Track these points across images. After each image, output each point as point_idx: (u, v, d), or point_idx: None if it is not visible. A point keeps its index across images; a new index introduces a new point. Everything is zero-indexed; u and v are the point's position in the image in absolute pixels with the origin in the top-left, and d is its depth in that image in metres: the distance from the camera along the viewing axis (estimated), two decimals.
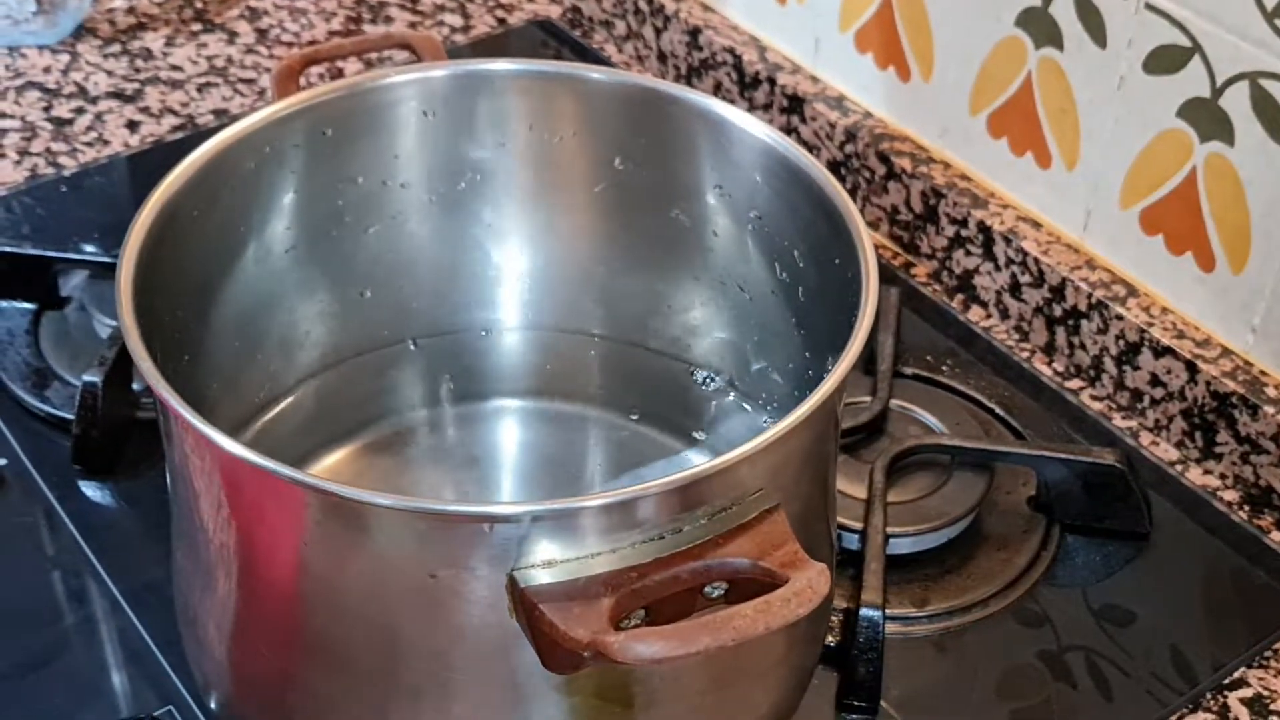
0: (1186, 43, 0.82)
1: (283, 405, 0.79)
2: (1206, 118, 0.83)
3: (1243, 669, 0.77)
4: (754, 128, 0.72)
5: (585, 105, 0.76)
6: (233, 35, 1.15)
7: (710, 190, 0.76)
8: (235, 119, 1.05)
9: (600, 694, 0.61)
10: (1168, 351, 0.87)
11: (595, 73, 0.76)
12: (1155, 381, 0.89)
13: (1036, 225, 0.94)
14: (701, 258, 0.78)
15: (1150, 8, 0.83)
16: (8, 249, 0.91)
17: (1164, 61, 0.84)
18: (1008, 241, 0.94)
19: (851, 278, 0.65)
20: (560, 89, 0.76)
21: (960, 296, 0.98)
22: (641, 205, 0.78)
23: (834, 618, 0.76)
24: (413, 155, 0.77)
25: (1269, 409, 0.83)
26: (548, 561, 0.56)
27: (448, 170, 0.78)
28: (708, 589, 0.57)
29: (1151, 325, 0.88)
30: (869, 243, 0.65)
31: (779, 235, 0.74)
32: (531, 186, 0.79)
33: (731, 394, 0.81)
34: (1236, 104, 0.82)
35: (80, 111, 1.08)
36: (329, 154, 0.74)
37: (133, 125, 1.06)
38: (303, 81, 0.79)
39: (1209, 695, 0.76)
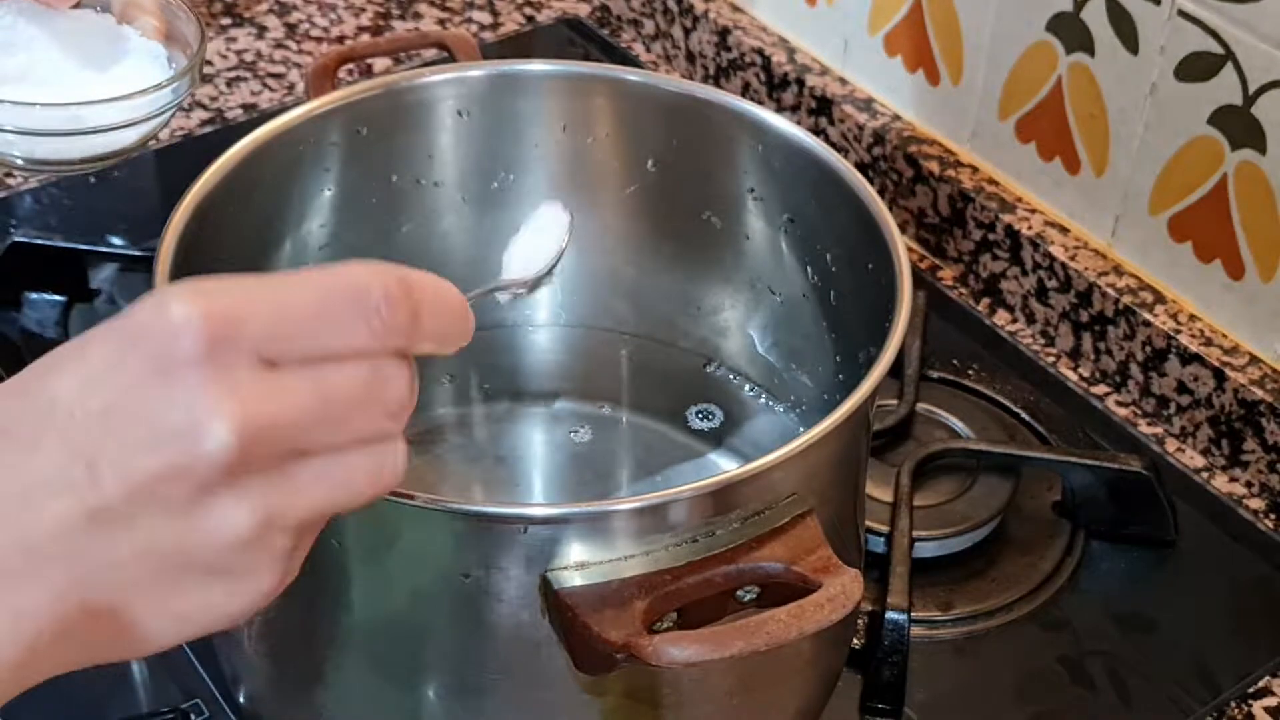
0: (1219, 50, 0.82)
1: None
2: (1238, 126, 0.83)
3: (1267, 678, 0.77)
4: (789, 131, 0.72)
5: (620, 107, 0.76)
6: (262, 30, 1.16)
7: (743, 193, 0.76)
8: (265, 114, 1.06)
9: (629, 694, 0.62)
10: (1195, 359, 0.87)
11: (630, 74, 0.77)
12: (1182, 388, 0.89)
13: (1064, 230, 0.94)
14: (733, 260, 0.78)
15: (1183, 14, 0.83)
16: (38, 241, 0.91)
17: (1196, 68, 0.84)
18: (1035, 246, 0.94)
19: (885, 283, 0.65)
20: (595, 90, 0.76)
21: (987, 300, 0.98)
22: (674, 207, 0.78)
23: (859, 621, 0.76)
24: (447, 154, 0.77)
25: None
26: (581, 564, 0.56)
27: (481, 169, 0.78)
28: (740, 593, 0.57)
29: (1179, 332, 0.88)
30: (903, 248, 0.66)
31: (811, 239, 0.74)
32: (564, 187, 0.79)
33: (761, 396, 0.81)
34: (1269, 112, 0.81)
35: None
36: (364, 152, 0.75)
37: None
38: (335, 79, 0.80)
39: (1233, 704, 0.76)
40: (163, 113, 0.82)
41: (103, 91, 0.80)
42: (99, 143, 0.81)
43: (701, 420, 0.80)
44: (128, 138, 0.82)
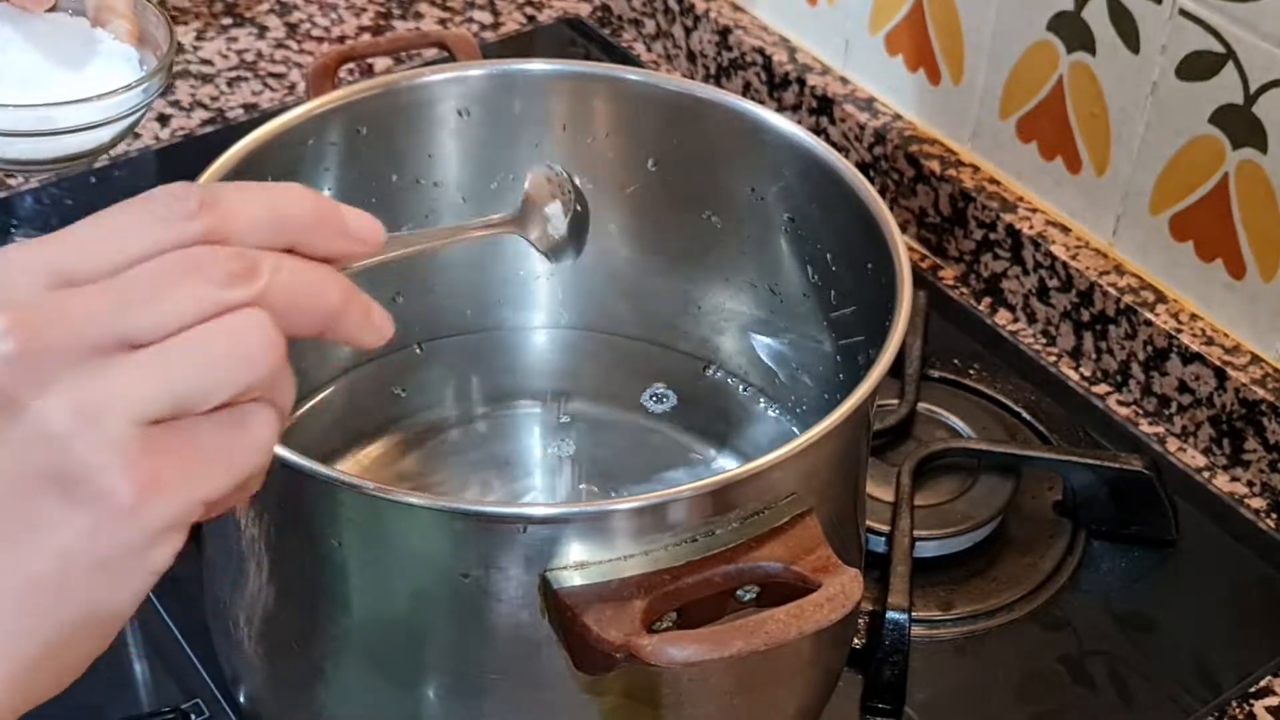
0: (1220, 49, 0.82)
1: (313, 402, 0.79)
2: (1239, 125, 0.83)
3: (1269, 677, 0.77)
4: (790, 131, 0.72)
5: (620, 106, 0.76)
6: (263, 30, 1.16)
7: (743, 193, 0.76)
8: (266, 114, 1.06)
9: (629, 694, 0.61)
10: (1196, 358, 0.87)
11: (630, 74, 0.77)
12: (1183, 388, 0.88)
13: (1065, 230, 0.94)
14: (733, 260, 0.78)
15: (1184, 13, 0.83)
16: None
17: (1197, 67, 0.84)
18: (1036, 245, 0.94)
19: (885, 282, 0.65)
20: (595, 90, 0.76)
21: (988, 300, 0.98)
22: (674, 206, 0.78)
23: (859, 620, 0.76)
24: (447, 154, 0.77)
25: None
26: (580, 563, 0.56)
27: (481, 169, 0.78)
28: (740, 592, 0.57)
29: (1180, 331, 0.88)
30: (903, 248, 0.66)
31: (812, 238, 0.74)
32: None
33: (761, 396, 0.81)
34: (1270, 111, 0.81)
35: None
36: (364, 152, 0.74)
37: (163, 119, 1.07)
38: (336, 79, 0.80)
39: (1234, 703, 0.76)
40: (133, 113, 0.83)
41: (75, 93, 0.80)
42: (71, 142, 0.82)
43: (655, 403, 0.80)
44: (99, 137, 0.83)
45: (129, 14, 0.77)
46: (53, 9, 0.81)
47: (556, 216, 0.63)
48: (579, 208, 0.63)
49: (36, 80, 0.81)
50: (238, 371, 0.41)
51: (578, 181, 0.63)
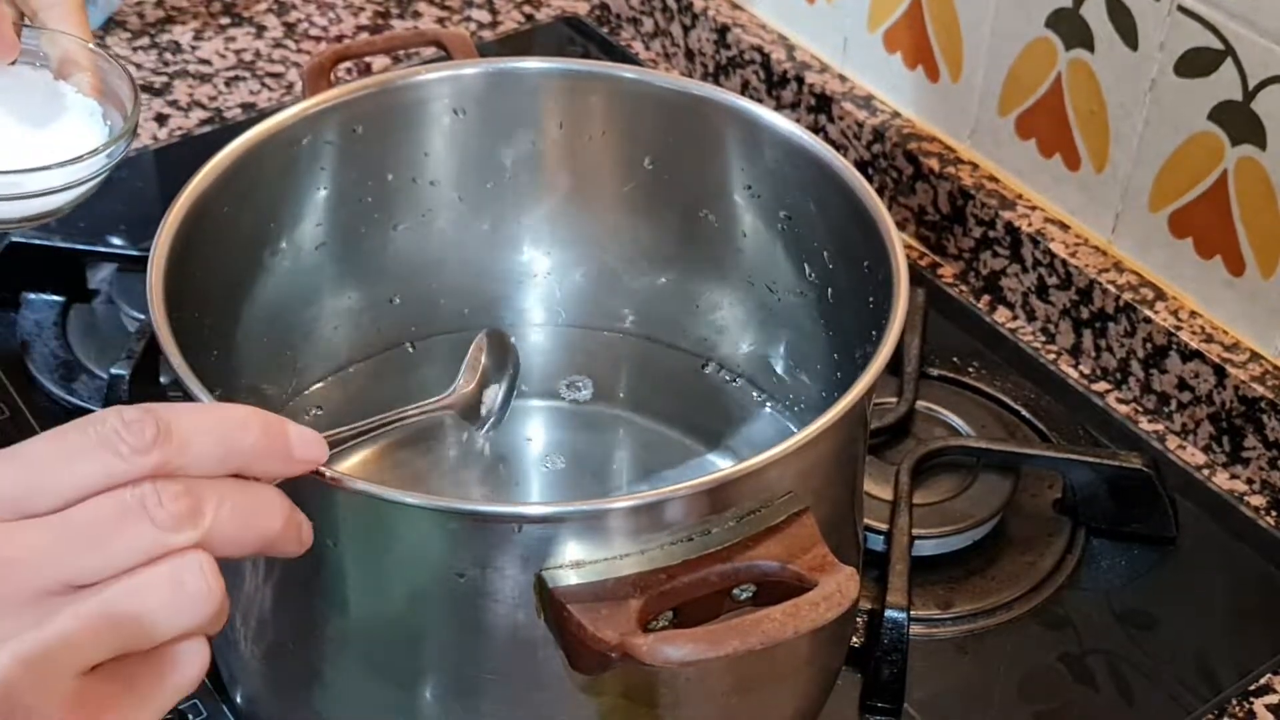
0: (1219, 45, 0.82)
1: (310, 400, 0.79)
2: (1238, 121, 0.83)
3: (1269, 675, 0.77)
4: (786, 129, 0.72)
5: (616, 105, 0.76)
6: (261, 29, 1.16)
7: (740, 190, 0.76)
8: (263, 113, 1.06)
9: (626, 694, 0.61)
10: (1196, 355, 0.87)
11: (627, 72, 0.76)
12: (1183, 385, 0.88)
13: (1064, 227, 0.94)
14: (730, 258, 0.78)
15: (1182, 10, 0.83)
16: (36, 241, 0.91)
17: (1196, 64, 0.84)
18: (1035, 243, 0.94)
19: (882, 280, 0.65)
20: (591, 88, 0.76)
21: (987, 298, 0.98)
22: (671, 205, 0.78)
23: (858, 619, 0.76)
24: (443, 153, 0.77)
25: None
26: (576, 562, 0.56)
27: (477, 168, 0.78)
28: (736, 591, 0.57)
29: (1180, 329, 0.88)
30: (900, 246, 0.65)
31: (809, 236, 0.74)
32: (561, 185, 0.79)
33: (758, 394, 0.81)
34: (1269, 108, 0.81)
35: None
36: (360, 151, 0.74)
37: (161, 119, 1.06)
38: (332, 77, 0.79)
39: (1234, 701, 0.76)
40: (98, 176, 0.83)
41: (41, 148, 0.80)
42: (33, 205, 0.82)
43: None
44: (63, 199, 0.83)
45: (92, 67, 0.77)
46: (13, 63, 0.81)
47: (492, 399, 0.70)
48: (516, 384, 0.71)
49: (3, 137, 0.81)
50: (178, 619, 0.43)
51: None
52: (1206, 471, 0.88)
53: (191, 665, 0.45)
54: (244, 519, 0.46)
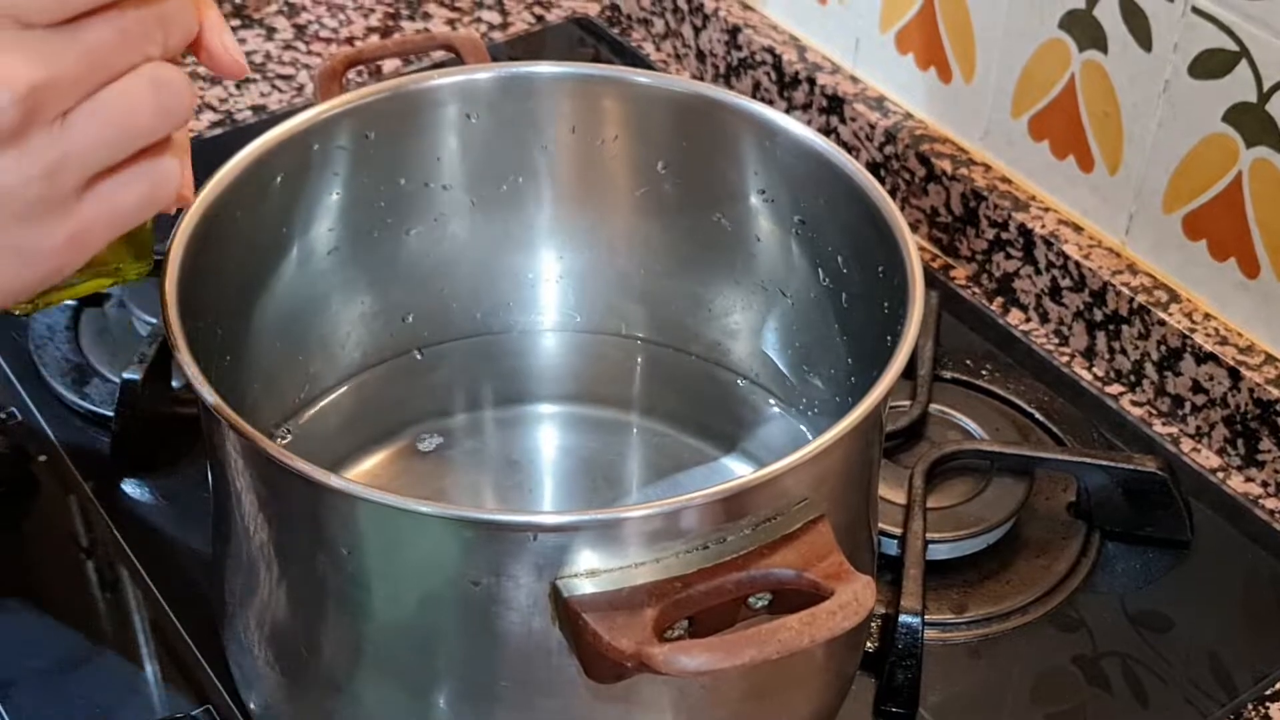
0: (1234, 47, 0.82)
1: (322, 405, 0.79)
2: (1253, 123, 0.83)
3: None
4: (799, 132, 0.72)
5: (629, 108, 0.76)
6: (271, 31, 1.15)
7: (754, 194, 0.75)
8: (274, 115, 1.06)
9: (640, 702, 0.61)
10: (1210, 358, 0.87)
11: (640, 76, 0.76)
12: (1197, 388, 0.88)
13: (1078, 229, 0.94)
14: (744, 262, 0.78)
15: (1197, 11, 0.83)
16: None
17: (1210, 65, 0.83)
18: (1048, 245, 0.93)
19: (897, 284, 0.65)
20: (604, 92, 0.76)
21: (1000, 300, 0.98)
22: (684, 209, 0.78)
23: (872, 624, 0.76)
24: (455, 157, 0.77)
25: None
26: (591, 571, 0.55)
27: (490, 172, 0.78)
28: (752, 600, 0.56)
29: (1194, 331, 0.88)
30: (914, 249, 0.65)
31: (822, 240, 0.73)
32: (573, 189, 0.79)
33: (772, 399, 0.80)
34: None
35: None
36: (372, 155, 0.74)
37: None
38: (343, 82, 0.79)
39: (1250, 705, 0.76)
40: None
41: None
42: None
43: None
44: None
45: None
46: None
47: None
48: None
49: None
50: (164, 111, 0.51)
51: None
52: (1221, 474, 0.87)
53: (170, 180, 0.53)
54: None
